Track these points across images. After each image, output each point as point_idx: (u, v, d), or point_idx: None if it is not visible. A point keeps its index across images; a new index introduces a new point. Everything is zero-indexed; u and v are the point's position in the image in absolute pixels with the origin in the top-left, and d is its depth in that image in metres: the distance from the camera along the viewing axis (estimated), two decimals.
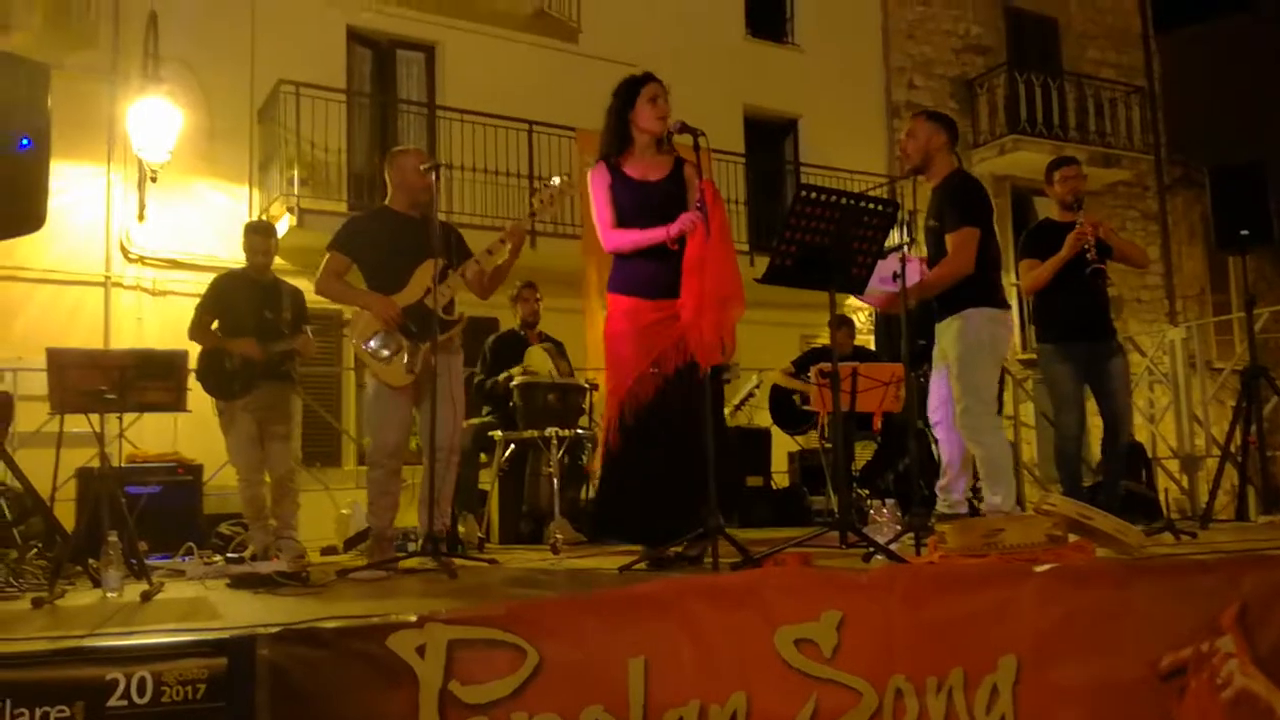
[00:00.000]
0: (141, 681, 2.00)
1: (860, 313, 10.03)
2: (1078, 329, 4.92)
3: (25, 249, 7.74)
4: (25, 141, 3.56)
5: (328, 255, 4.25)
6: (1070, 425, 4.98)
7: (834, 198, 3.48)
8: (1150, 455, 7.43)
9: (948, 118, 4.54)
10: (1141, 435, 6.66)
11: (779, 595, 2.48)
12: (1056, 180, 5.05)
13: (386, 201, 4.38)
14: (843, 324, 7.22)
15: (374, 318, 4.11)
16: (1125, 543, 3.24)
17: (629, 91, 3.81)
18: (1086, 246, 4.74)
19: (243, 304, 5.12)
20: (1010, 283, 12.06)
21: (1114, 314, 5.22)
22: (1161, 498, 7.35)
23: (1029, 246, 5.09)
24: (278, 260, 5.44)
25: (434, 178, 4.04)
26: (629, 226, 3.75)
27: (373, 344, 4.10)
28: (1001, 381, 7.05)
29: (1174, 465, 7.99)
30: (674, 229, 3.60)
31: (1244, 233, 5.40)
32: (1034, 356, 12.26)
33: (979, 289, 4.23)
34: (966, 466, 4.41)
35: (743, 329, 3.81)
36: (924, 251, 4.61)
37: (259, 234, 5.31)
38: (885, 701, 2.48)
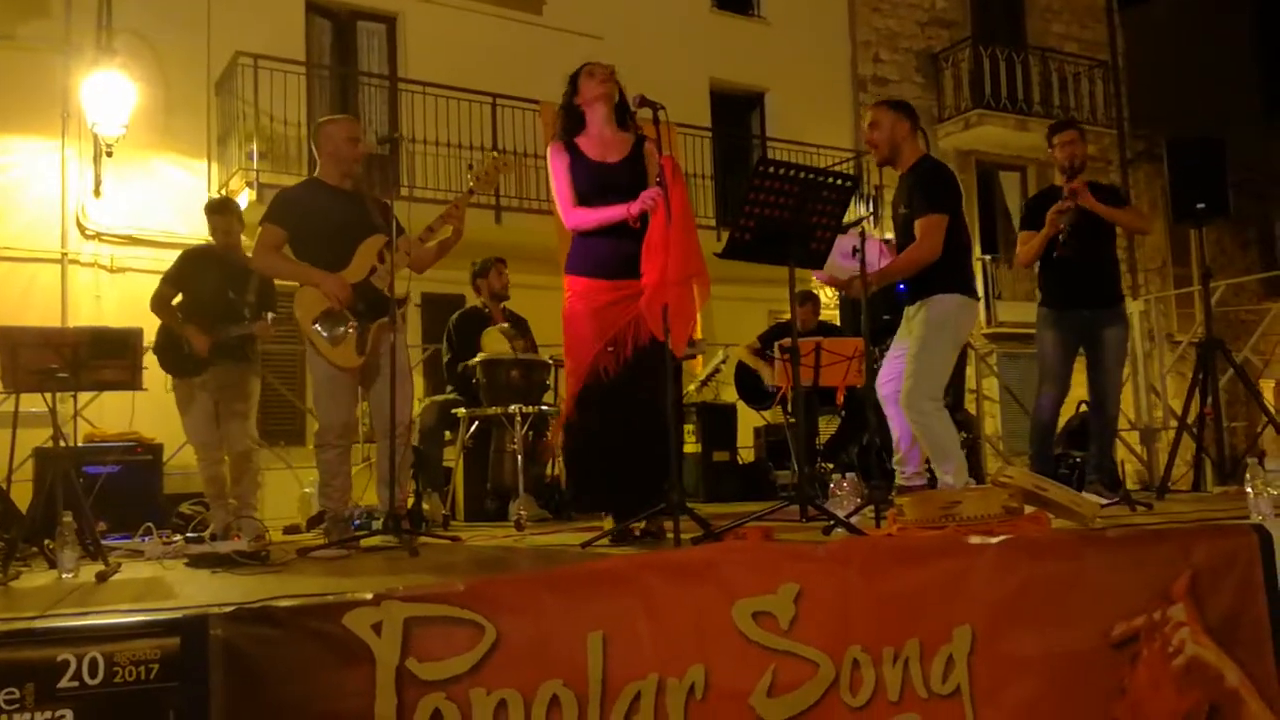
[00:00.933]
0: (93, 662, 1.98)
1: (826, 289, 10.08)
2: (1073, 295, 4.92)
3: None
4: None
5: (261, 228, 4.10)
6: (1046, 397, 5.01)
7: (792, 171, 3.47)
8: None
9: (906, 104, 4.54)
10: None
11: (736, 569, 2.49)
12: (1055, 145, 5.05)
13: (316, 174, 4.26)
14: (807, 300, 7.24)
15: (321, 296, 3.99)
16: (1080, 513, 3.28)
17: (573, 77, 3.87)
18: (1060, 228, 4.77)
19: (207, 283, 5.04)
20: (977, 257, 12.18)
21: None
22: (1120, 469, 7.46)
23: (1028, 217, 5.11)
24: None
25: (392, 151, 3.98)
26: (587, 206, 3.76)
27: (321, 324, 3.98)
28: (964, 358, 7.11)
29: (1133, 437, 8.11)
30: (635, 207, 3.60)
31: (1200, 206, 5.47)
32: (998, 331, 12.48)
33: (949, 274, 4.23)
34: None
35: (710, 304, 3.81)
36: (887, 232, 4.62)
37: (217, 214, 5.21)
38: (842, 672, 2.50)
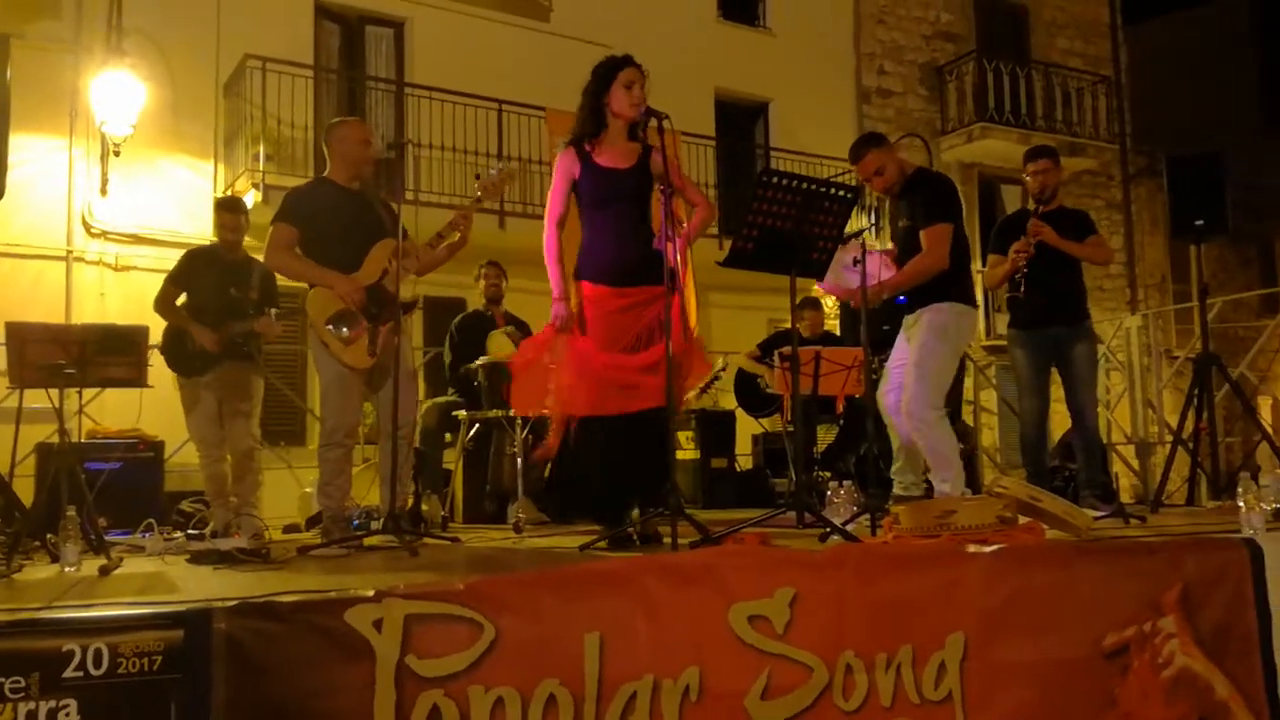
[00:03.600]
0: (98, 653, 2.01)
1: (828, 297, 10.11)
2: (1039, 315, 5.02)
3: None
4: None
5: (273, 228, 4.12)
6: (1030, 411, 5.13)
7: (794, 182, 3.51)
8: (1105, 440, 7.56)
9: (874, 135, 4.61)
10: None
11: (733, 572, 2.52)
12: (1028, 172, 5.13)
13: (326, 174, 4.29)
14: (810, 305, 7.26)
15: (333, 297, 4.03)
16: (1073, 524, 3.31)
17: (606, 74, 3.76)
18: (1019, 267, 4.89)
19: (209, 281, 5.08)
20: (977, 270, 12.22)
21: None
22: (1115, 483, 7.49)
23: (996, 241, 5.20)
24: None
25: (399, 155, 4.02)
26: (595, 212, 3.77)
27: (334, 324, 4.02)
28: (962, 369, 7.15)
29: (1129, 451, 8.14)
30: (556, 323, 3.76)
31: (1199, 222, 5.50)
32: (997, 343, 12.50)
33: (949, 284, 4.28)
34: (918, 450, 4.48)
35: (710, 312, 3.86)
36: (888, 243, 4.67)
37: (228, 211, 5.27)
38: (835, 677, 2.52)
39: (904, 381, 4.29)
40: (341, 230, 4.09)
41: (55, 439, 3.98)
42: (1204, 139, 11.93)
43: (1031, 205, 5.13)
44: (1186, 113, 15.26)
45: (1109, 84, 14.28)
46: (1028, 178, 5.13)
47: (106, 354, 4.10)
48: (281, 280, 5.14)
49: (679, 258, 3.56)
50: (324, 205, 4.15)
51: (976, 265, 12.29)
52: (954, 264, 4.27)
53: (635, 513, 3.69)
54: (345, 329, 4.02)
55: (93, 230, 8.67)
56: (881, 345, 5.29)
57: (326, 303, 4.04)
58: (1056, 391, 5.23)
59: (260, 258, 5.31)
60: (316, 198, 4.22)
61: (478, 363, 5.59)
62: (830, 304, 9.77)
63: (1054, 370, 5.15)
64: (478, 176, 4.27)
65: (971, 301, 4.40)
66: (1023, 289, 4.92)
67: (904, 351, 4.44)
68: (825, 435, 6.85)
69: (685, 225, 3.75)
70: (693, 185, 3.95)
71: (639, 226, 3.75)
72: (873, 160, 4.38)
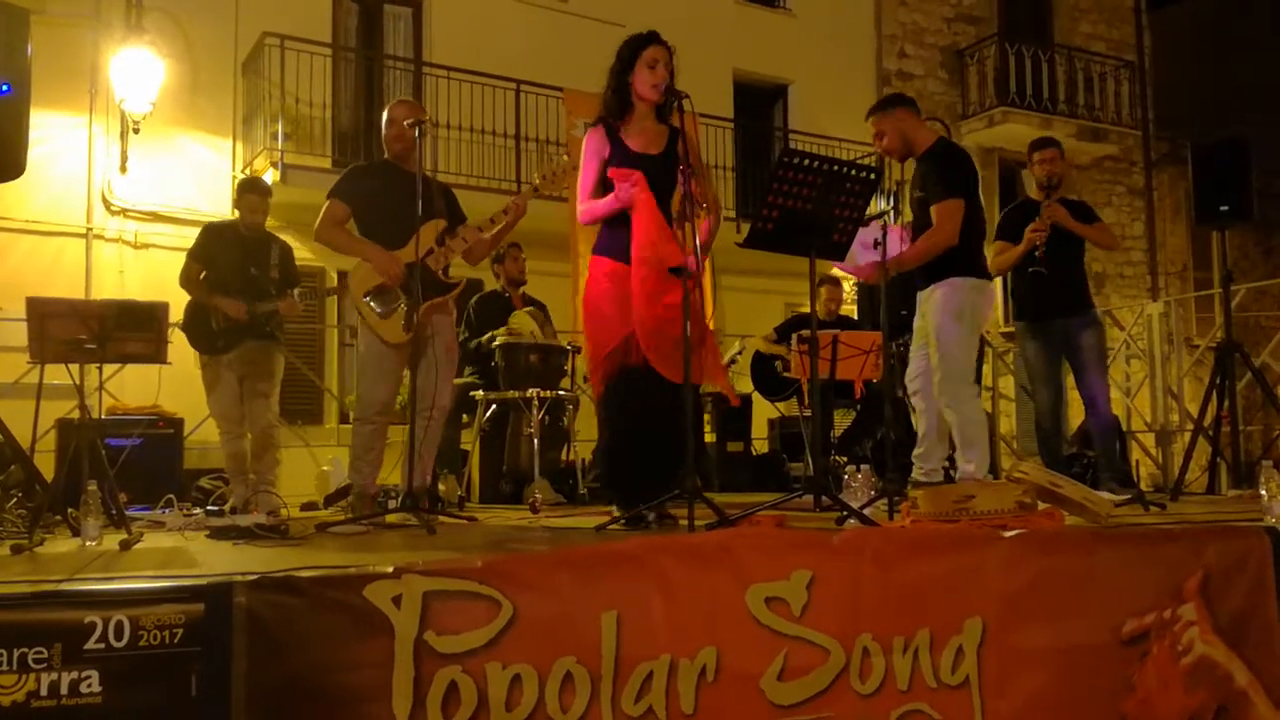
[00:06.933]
0: (119, 625, 2.02)
1: (847, 280, 10.06)
2: (1047, 307, 5.11)
3: (6, 199, 7.67)
4: (4, 88, 3.52)
5: (328, 202, 4.21)
6: (1044, 401, 5.19)
7: (816, 163, 3.48)
8: (1125, 428, 7.52)
9: (897, 98, 4.61)
10: (1117, 408, 6.77)
11: (750, 554, 2.52)
12: (1035, 161, 5.25)
13: (387, 156, 4.37)
14: (829, 281, 7.22)
15: (374, 271, 4.08)
16: (1094, 511, 3.29)
17: (630, 53, 3.70)
18: (1036, 245, 4.99)
19: (229, 259, 5.07)
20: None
21: (1096, 289, 5.35)
22: (1135, 471, 7.45)
23: (1003, 228, 5.30)
24: None
25: (416, 133, 3.99)
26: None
27: (373, 298, 4.09)
28: (981, 353, 7.11)
29: (1149, 439, 8.09)
30: (623, 198, 3.59)
31: (1224, 208, 5.46)
32: (1014, 329, 12.43)
33: (962, 258, 4.27)
34: (943, 436, 4.47)
35: (727, 296, 3.83)
36: (908, 217, 4.65)
37: (256, 193, 5.25)
38: (852, 660, 2.52)
39: (931, 364, 4.30)
40: (391, 209, 4.11)
41: (76, 414, 4.00)
42: (1227, 124, 11.80)
43: (1035, 194, 5.25)
44: (1209, 98, 15.07)
45: (1132, 69, 14.13)
46: (1035, 167, 5.23)
47: (127, 330, 4.12)
48: (300, 260, 5.17)
49: (696, 241, 3.51)
50: (377, 184, 4.23)
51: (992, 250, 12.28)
52: (967, 238, 4.26)
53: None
54: (381, 303, 4.07)
55: (112, 208, 8.70)
56: (900, 329, 5.28)
57: (367, 276, 4.11)
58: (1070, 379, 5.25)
59: (280, 236, 5.35)
60: (371, 177, 4.32)
61: (497, 342, 5.59)
62: (849, 286, 9.73)
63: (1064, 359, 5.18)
64: (542, 177, 4.19)
65: (984, 275, 4.40)
66: (1038, 255, 5.00)
67: (924, 332, 4.43)
68: (842, 420, 6.84)
69: (704, 207, 3.70)
70: (708, 184, 3.89)
71: (663, 213, 3.72)
72: (876, 124, 4.48)
